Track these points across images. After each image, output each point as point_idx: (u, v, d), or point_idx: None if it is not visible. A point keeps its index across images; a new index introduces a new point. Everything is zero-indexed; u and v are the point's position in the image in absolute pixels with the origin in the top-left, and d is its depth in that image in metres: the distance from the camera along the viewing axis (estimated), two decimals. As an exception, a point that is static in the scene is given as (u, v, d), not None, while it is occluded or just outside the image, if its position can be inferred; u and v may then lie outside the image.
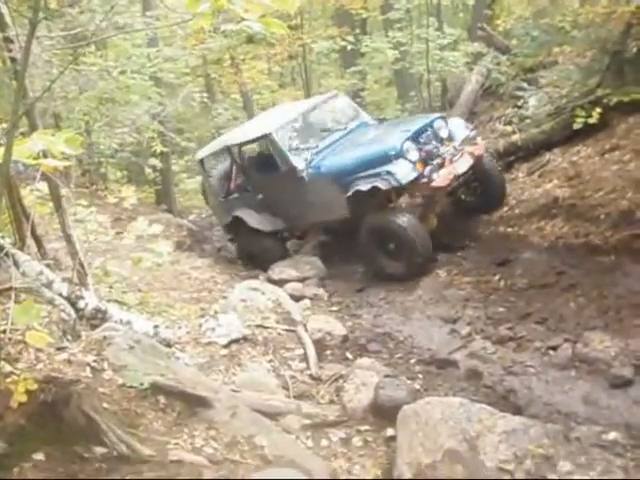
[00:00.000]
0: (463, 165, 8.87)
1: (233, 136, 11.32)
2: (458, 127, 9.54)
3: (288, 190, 9.70)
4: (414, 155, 8.68)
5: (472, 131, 9.65)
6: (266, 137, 9.96)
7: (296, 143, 9.90)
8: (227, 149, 10.84)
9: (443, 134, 9.22)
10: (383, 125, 10.64)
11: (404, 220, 8.49)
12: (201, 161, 11.31)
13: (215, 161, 11.68)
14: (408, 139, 8.83)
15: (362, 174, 8.83)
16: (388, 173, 8.56)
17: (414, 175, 8.56)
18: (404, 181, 8.51)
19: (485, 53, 13.83)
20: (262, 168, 10.44)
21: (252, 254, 10.53)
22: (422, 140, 8.99)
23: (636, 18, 9.04)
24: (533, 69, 12.69)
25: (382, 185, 8.58)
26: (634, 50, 9.47)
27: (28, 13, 4.59)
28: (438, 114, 10.17)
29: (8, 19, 5.14)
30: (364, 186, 8.72)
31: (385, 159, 8.69)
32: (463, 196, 9.73)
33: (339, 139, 9.99)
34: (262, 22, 3.18)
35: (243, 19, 3.15)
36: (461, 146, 9.09)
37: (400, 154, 8.64)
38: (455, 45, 15.14)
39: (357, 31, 17.69)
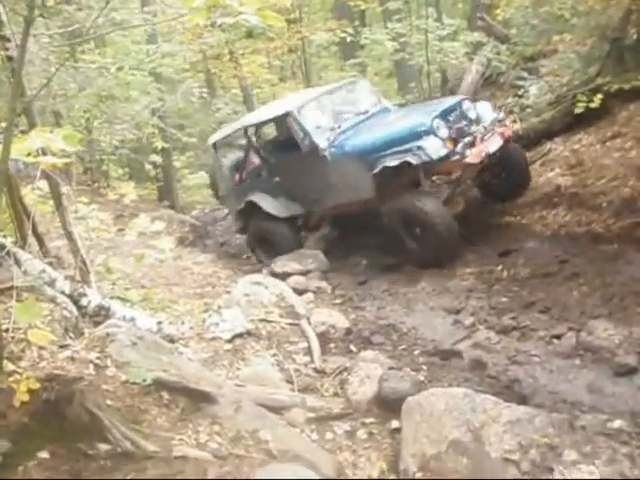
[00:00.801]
0: (494, 144, 8.70)
1: (250, 118, 11.14)
2: (486, 109, 9.40)
3: (309, 171, 9.53)
4: (444, 132, 8.55)
5: (500, 114, 9.45)
6: (287, 115, 9.74)
7: (318, 123, 9.72)
8: (244, 130, 10.61)
9: (471, 115, 9.08)
10: (406, 108, 10.56)
11: (429, 205, 8.38)
12: (214, 145, 11.09)
13: (225, 149, 11.56)
14: (437, 117, 8.70)
15: (389, 151, 8.68)
16: (419, 148, 8.40)
17: (445, 151, 8.41)
18: (435, 156, 8.35)
19: (485, 43, 13.82)
20: (280, 149, 10.26)
21: (264, 243, 10.31)
22: (451, 119, 8.86)
23: (636, 4, 9.03)
24: (533, 58, 12.71)
25: (413, 160, 8.40)
26: (634, 37, 9.46)
27: (24, 11, 4.58)
28: (464, 96, 10.15)
29: (4, 17, 5.13)
30: (393, 162, 8.57)
31: (415, 136, 8.54)
32: (488, 180, 9.51)
33: (362, 121, 9.83)
34: (259, 15, 3.18)
35: (241, 13, 3.14)
36: (491, 127, 8.94)
37: (430, 130, 8.50)
38: (455, 35, 15.11)
39: (356, 23, 17.69)
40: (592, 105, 9.26)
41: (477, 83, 13.38)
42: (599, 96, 9.20)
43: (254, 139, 10.72)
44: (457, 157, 8.46)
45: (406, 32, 14.38)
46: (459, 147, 8.46)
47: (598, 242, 7.60)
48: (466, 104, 9.21)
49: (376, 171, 8.74)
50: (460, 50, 13.88)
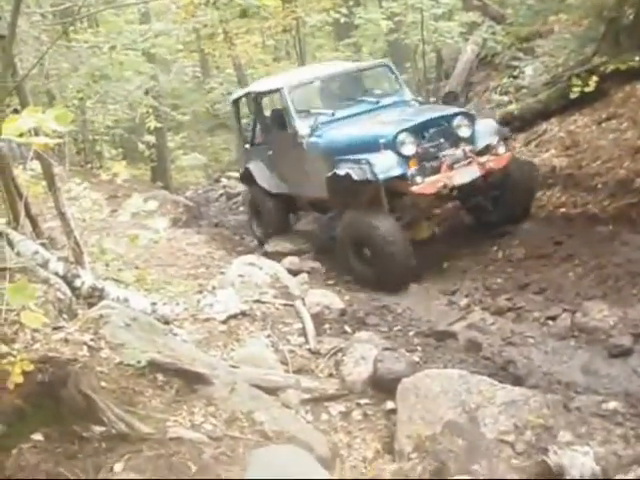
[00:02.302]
0: (464, 176, 7.60)
1: (258, 84, 10.86)
2: (485, 130, 8.09)
3: (290, 154, 9.10)
4: (409, 149, 7.60)
5: (500, 141, 8.02)
6: (278, 92, 9.35)
7: (309, 106, 9.18)
8: (254, 96, 10.27)
9: (462, 133, 7.89)
10: (413, 108, 9.25)
11: (383, 225, 7.48)
12: (234, 102, 10.96)
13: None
14: (407, 130, 7.72)
15: (349, 157, 7.92)
16: (367, 163, 7.54)
17: (398, 172, 7.50)
18: (382, 176, 7.45)
19: (480, 23, 13.72)
20: (277, 124, 9.69)
21: (258, 213, 10.30)
22: (428, 134, 7.83)
23: (632, -15, 8.97)
24: (529, 38, 12.62)
25: (355, 175, 7.59)
26: (630, 17, 9.39)
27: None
28: (462, 109, 8.67)
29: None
30: (341, 170, 7.82)
31: (374, 146, 7.66)
32: (480, 204, 8.42)
33: (360, 112, 8.99)
34: (254, -7, 3.14)
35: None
36: (476, 153, 7.80)
37: (391, 144, 7.60)
38: (450, 15, 15.00)
39: (350, 3, 17.55)
40: (587, 89, 9.19)
41: (472, 63, 13.32)
42: (594, 79, 9.14)
43: (257, 107, 10.33)
44: (407, 182, 7.51)
45: (401, 11, 14.26)
46: (412, 170, 7.48)
47: (593, 223, 7.61)
48: (458, 120, 7.95)
49: (328, 175, 8.07)
50: (455, 30, 13.75)
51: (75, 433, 3.32)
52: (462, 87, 12.83)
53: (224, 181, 18.02)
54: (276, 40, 21.27)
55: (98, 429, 3.38)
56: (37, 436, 3.22)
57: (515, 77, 11.74)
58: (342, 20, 15.91)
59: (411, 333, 6.42)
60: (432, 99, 13.02)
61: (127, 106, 14.72)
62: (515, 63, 12.22)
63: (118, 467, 3.18)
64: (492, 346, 5.89)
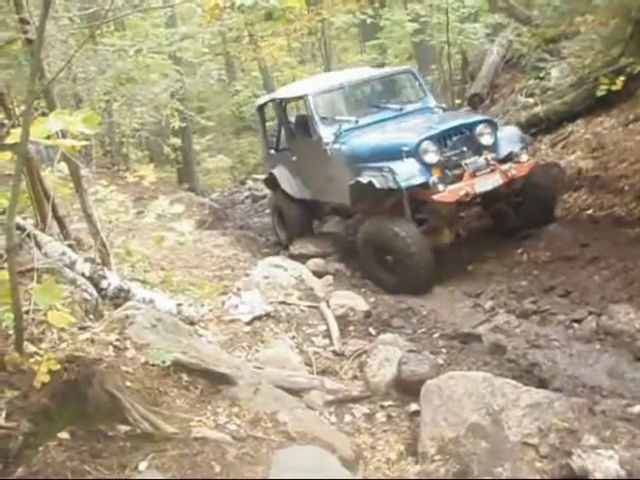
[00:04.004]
0: (487, 183, 7.64)
1: (282, 90, 10.97)
2: (509, 138, 8.17)
3: (314, 160, 9.14)
4: (432, 157, 7.67)
5: (522, 148, 8.05)
6: (303, 98, 9.41)
7: (333, 113, 9.18)
8: (277, 102, 10.33)
9: (485, 141, 7.94)
10: (437, 115, 9.26)
11: (405, 232, 7.52)
12: (259, 108, 11.08)
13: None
14: (430, 138, 7.79)
15: (371, 164, 8.00)
16: (390, 171, 7.61)
17: (420, 180, 7.56)
18: (405, 184, 7.51)
19: (506, 24, 13.67)
20: (301, 130, 9.71)
21: (281, 217, 10.41)
22: (450, 143, 7.90)
23: (660, -15, 8.89)
24: (555, 39, 12.53)
25: (377, 182, 7.69)
26: (658, 18, 9.31)
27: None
28: (485, 117, 8.82)
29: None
30: (364, 178, 7.90)
31: (397, 154, 7.74)
32: (502, 211, 8.45)
33: (384, 119, 9.03)
34: (278, -4, 3.17)
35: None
36: (498, 161, 7.84)
37: (414, 153, 7.66)
38: (475, 16, 14.96)
39: (376, 4, 17.56)
40: (614, 88, 9.13)
41: (498, 65, 13.26)
42: (621, 78, 9.09)
43: (282, 113, 10.35)
44: (429, 190, 7.57)
45: (426, 13, 14.24)
46: (434, 179, 7.51)
47: (619, 226, 7.55)
48: (481, 128, 7.98)
49: (351, 182, 8.18)
50: (481, 31, 13.72)
51: (100, 432, 3.34)
52: (487, 89, 12.78)
53: (250, 183, 18.11)
54: (301, 43, 21.32)
55: (123, 428, 3.40)
56: (63, 434, 3.25)
57: (541, 79, 11.66)
58: (368, 21, 15.93)
59: (435, 335, 6.40)
60: (457, 101, 13.00)
61: (153, 109, 14.83)
62: (541, 65, 12.14)
63: (143, 466, 3.20)
64: (517, 349, 5.87)
